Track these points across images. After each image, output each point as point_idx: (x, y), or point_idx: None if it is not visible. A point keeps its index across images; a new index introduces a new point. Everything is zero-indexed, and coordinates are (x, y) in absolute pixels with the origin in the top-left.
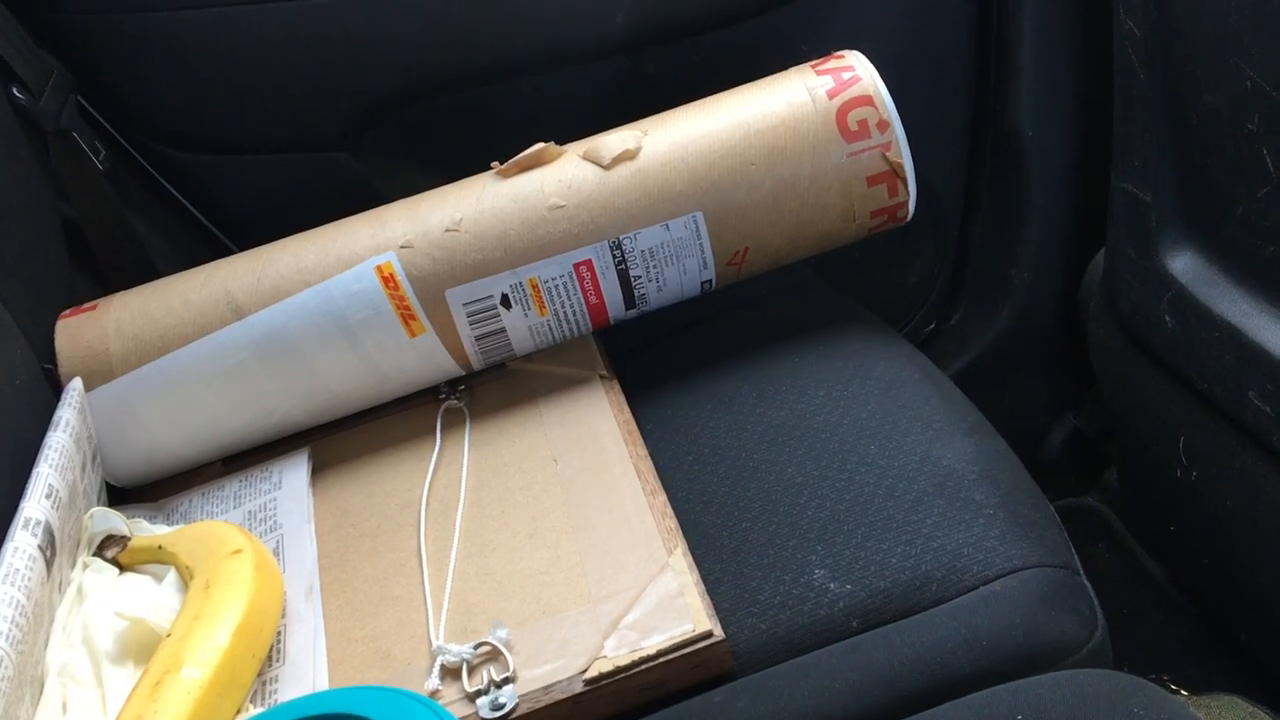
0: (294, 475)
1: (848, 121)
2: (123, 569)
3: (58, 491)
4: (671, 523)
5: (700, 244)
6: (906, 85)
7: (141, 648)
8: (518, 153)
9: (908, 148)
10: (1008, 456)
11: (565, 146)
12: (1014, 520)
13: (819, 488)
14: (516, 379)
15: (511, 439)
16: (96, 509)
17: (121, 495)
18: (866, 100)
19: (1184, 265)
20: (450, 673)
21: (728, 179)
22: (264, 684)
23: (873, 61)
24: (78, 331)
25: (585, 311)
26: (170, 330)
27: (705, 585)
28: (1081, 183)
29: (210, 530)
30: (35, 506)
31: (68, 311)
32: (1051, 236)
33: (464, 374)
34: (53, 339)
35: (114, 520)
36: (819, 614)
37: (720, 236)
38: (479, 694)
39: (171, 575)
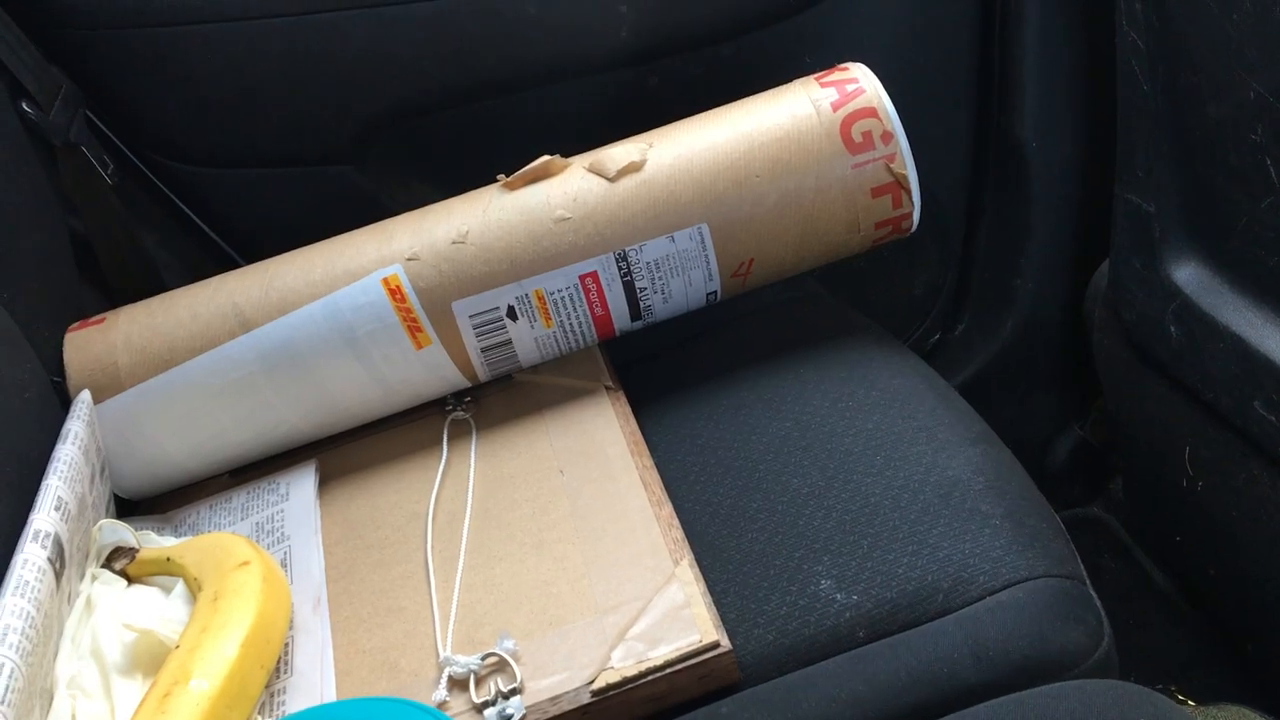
0: (301, 487)
1: (852, 133)
2: (131, 581)
3: (67, 504)
4: (678, 533)
5: (706, 256)
6: (910, 97)
7: (150, 659)
8: (523, 165)
9: (912, 159)
10: (1014, 466)
11: (570, 159)
12: (1020, 530)
13: (825, 498)
14: (522, 390)
15: (518, 450)
16: (105, 521)
17: (130, 507)
18: (870, 112)
19: (1188, 275)
20: (458, 684)
21: (733, 191)
22: (272, 695)
23: (876, 73)
24: (86, 344)
25: (591, 323)
26: (178, 343)
27: (711, 596)
28: (1085, 193)
29: (218, 542)
30: (45, 519)
31: (76, 325)
32: (1056, 247)
33: (470, 386)
34: (61, 352)
35: (122, 532)
36: (825, 624)
37: (725, 248)
38: (486, 705)
39: (180, 587)
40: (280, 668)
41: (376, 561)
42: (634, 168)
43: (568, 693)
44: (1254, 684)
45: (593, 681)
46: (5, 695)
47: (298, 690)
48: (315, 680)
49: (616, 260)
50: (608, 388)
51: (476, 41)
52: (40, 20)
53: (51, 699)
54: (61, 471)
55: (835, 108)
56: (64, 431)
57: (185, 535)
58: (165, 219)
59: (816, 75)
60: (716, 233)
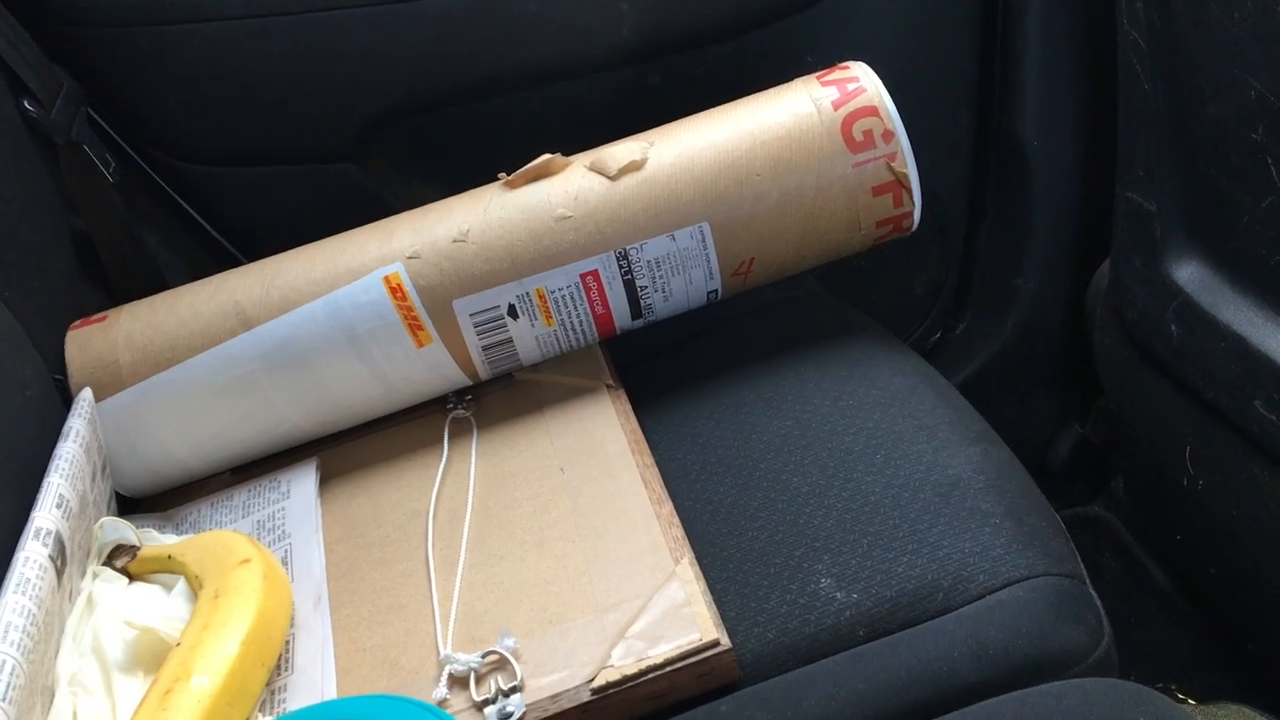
0: (302, 485)
1: (853, 132)
2: (132, 578)
3: (68, 501)
4: (678, 532)
5: (706, 254)
6: (911, 95)
7: (151, 657)
8: (524, 164)
9: (913, 158)
10: (1014, 465)
11: (572, 157)
12: (1020, 529)
13: (825, 497)
14: (523, 389)
15: (519, 449)
16: (106, 519)
17: (131, 505)
18: (871, 111)
19: (1189, 274)
20: (458, 682)
21: (734, 190)
22: (273, 693)
23: (877, 72)
24: (88, 342)
25: (592, 321)
26: (179, 341)
27: (712, 594)
28: (1086, 192)
29: (219, 540)
30: (46, 516)
31: (78, 323)
32: (1057, 246)
33: (471, 384)
34: (63, 350)
35: (123, 530)
36: (825, 623)
37: (726, 247)
38: (487, 703)
39: (181, 585)
40: (281, 665)
41: (377, 559)
42: (635, 166)
43: (568, 690)
44: (1254, 683)
45: (593, 679)
46: (6, 692)
47: (298, 688)
48: (316, 678)
49: (617, 259)
50: (608, 386)
51: (478, 40)
52: (42, 18)
53: (53, 696)
54: (63, 469)
55: (836, 106)
56: (65, 429)
57: (186, 533)
58: (167, 217)
59: (818, 74)
60: (717, 231)
